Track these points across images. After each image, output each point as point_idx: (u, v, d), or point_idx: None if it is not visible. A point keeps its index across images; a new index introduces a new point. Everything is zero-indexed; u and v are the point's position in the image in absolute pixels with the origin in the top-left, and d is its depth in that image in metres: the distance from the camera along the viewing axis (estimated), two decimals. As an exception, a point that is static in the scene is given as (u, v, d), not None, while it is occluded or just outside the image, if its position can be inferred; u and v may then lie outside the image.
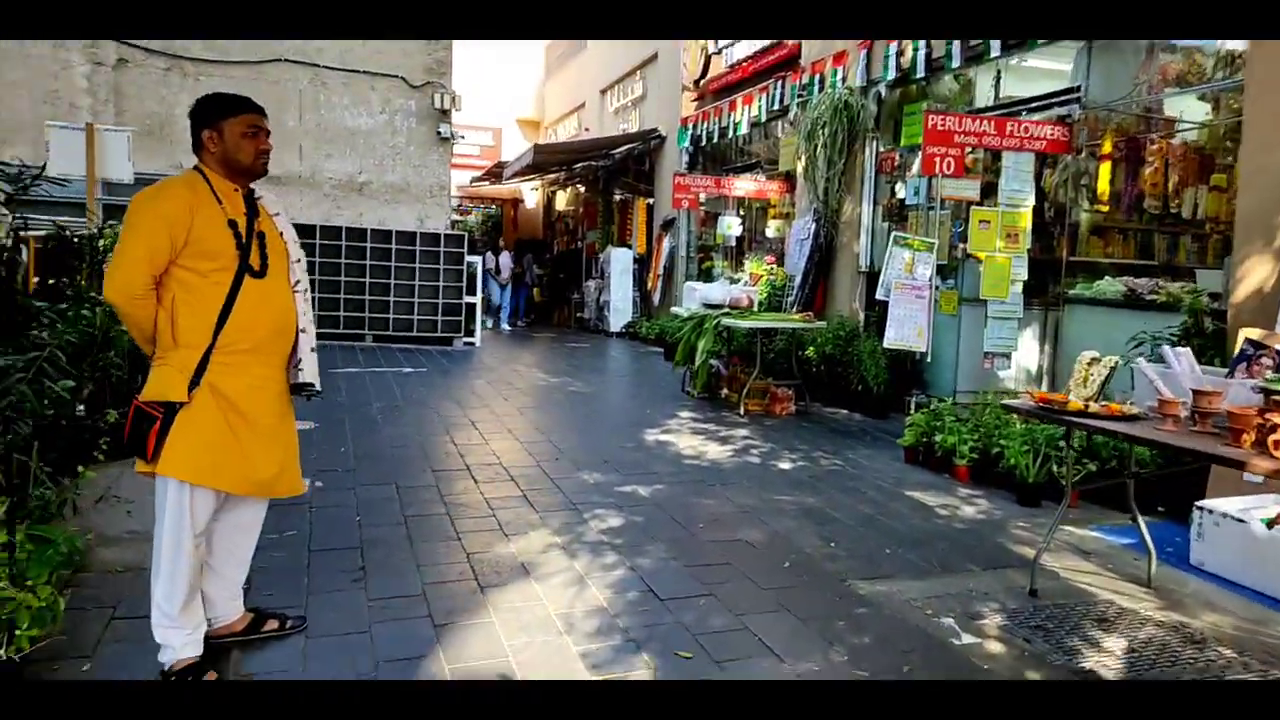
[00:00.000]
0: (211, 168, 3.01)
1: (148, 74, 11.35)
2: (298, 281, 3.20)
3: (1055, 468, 5.68)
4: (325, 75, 12.00)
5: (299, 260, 3.25)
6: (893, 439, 7.22)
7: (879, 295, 7.27)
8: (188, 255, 2.87)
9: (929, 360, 7.60)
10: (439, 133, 12.41)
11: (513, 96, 24.02)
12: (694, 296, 9.15)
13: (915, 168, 8.69)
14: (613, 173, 17.81)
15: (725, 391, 8.94)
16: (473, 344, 12.58)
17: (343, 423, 6.92)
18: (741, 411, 8.17)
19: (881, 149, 9.34)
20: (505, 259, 16.89)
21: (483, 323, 13.71)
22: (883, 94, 9.14)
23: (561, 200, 22.03)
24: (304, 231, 11.62)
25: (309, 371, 3.17)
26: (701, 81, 14.02)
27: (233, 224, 2.96)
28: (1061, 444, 5.73)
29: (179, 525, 2.91)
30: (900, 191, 9.17)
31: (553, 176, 20.78)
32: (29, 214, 5.29)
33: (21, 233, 5.12)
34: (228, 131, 2.98)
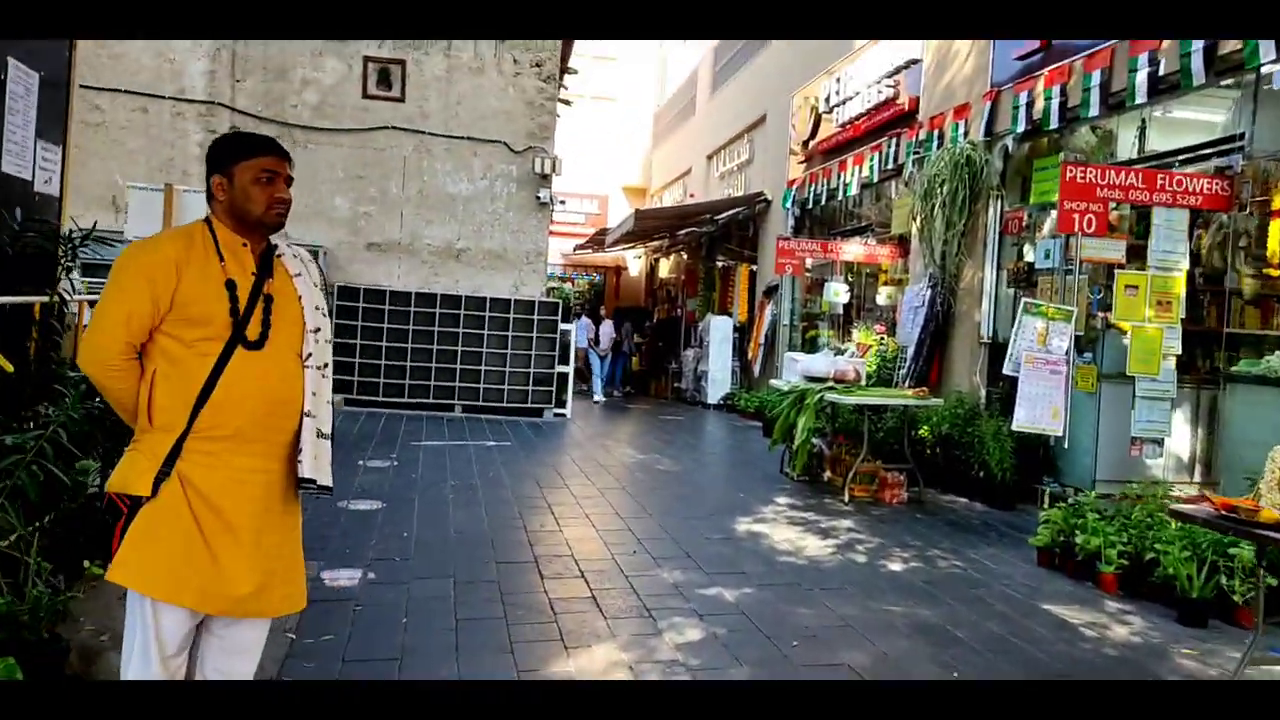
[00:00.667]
0: (220, 218, 2.53)
1: (256, 144, 11.55)
2: (309, 355, 2.65)
3: (1224, 579, 4.71)
4: (430, 142, 12.00)
5: (317, 330, 2.69)
6: (1021, 536, 6.28)
7: (1007, 370, 6.41)
8: (172, 320, 2.40)
9: (1064, 445, 6.64)
10: (538, 198, 12.20)
11: (620, 165, 24.07)
12: (795, 368, 8.44)
13: (1048, 227, 7.83)
14: (716, 239, 17.36)
15: (828, 474, 8.13)
16: (563, 415, 12.13)
17: (411, 503, 6.47)
18: (846, 498, 7.35)
19: (1007, 208, 8.51)
20: (606, 328, 16.32)
21: (574, 389, 13.31)
22: (1010, 148, 8.35)
23: (664, 268, 21.70)
24: (399, 299, 11.52)
25: (310, 464, 2.60)
26: (811, 143, 13.46)
27: (230, 285, 2.48)
28: (1232, 551, 4.75)
29: (145, 647, 2.40)
30: (1029, 254, 8.30)
31: (656, 244, 20.50)
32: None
33: (71, 296, 4.88)
34: (238, 177, 2.48)
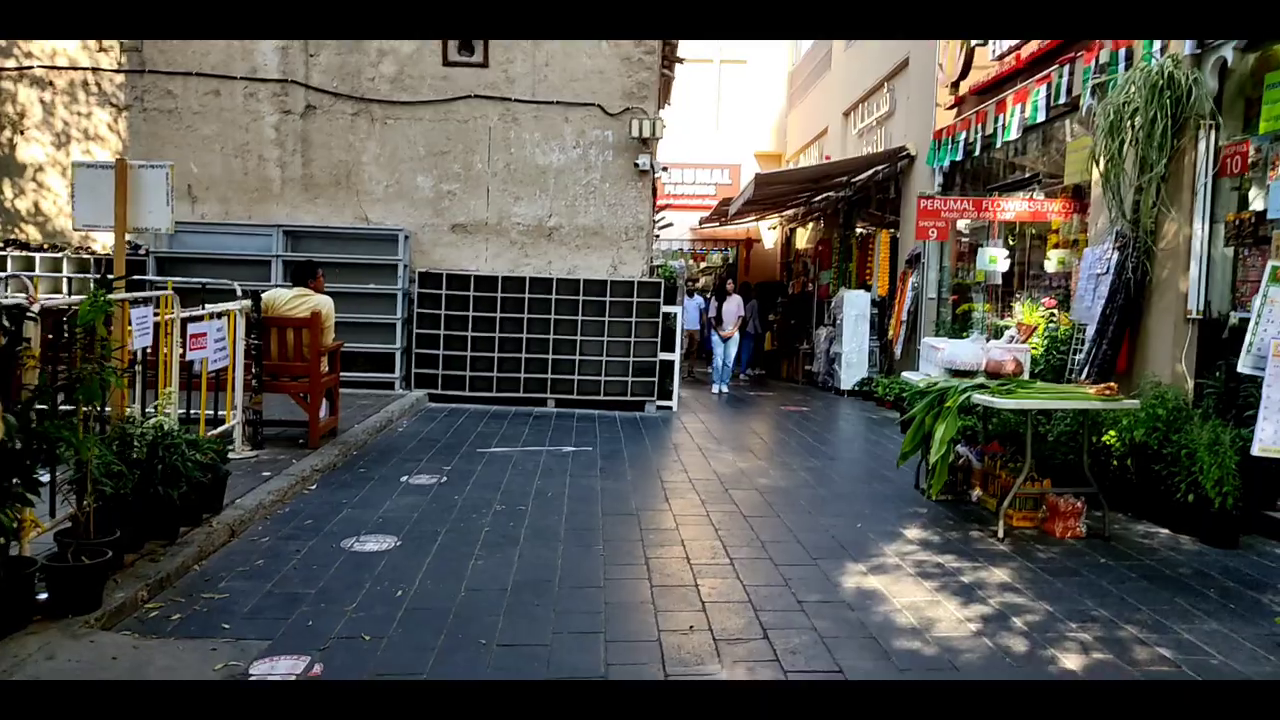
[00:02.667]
0: None
1: (335, 120, 10.69)
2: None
3: None
4: (516, 109, 10.78)
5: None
6: (1256, 596, 4.41)
7: (1244, 367, 4.48)
8: None
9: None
10: (637, 165, 10.76)
11: (753, 130, 22.27)
12: (935, 358, 6.64)
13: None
14: (854, 204, 15.40)
15: (977, 492, 6.34)
16: (668, 408, 10.69)
17: (433, 541, 5.22)
18: (1000, 532, 5.57)
19: (1224, 141, 6.38)
20: (732, 305, 13.85)
21: (687, 377, 11.83)
22: (1228, 61, 6.22)
23: (801, 238, 19.81)
24: (485, 284, 10.39)
25: None
26: (962, 84, 11.37)
27: None
28: None
29: None
30: (1257, 200, 6.17)
31: (791, 212, 18.66)
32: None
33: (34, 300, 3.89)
34: None
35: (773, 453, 8.44)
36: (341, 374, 10.27)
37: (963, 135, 10.88)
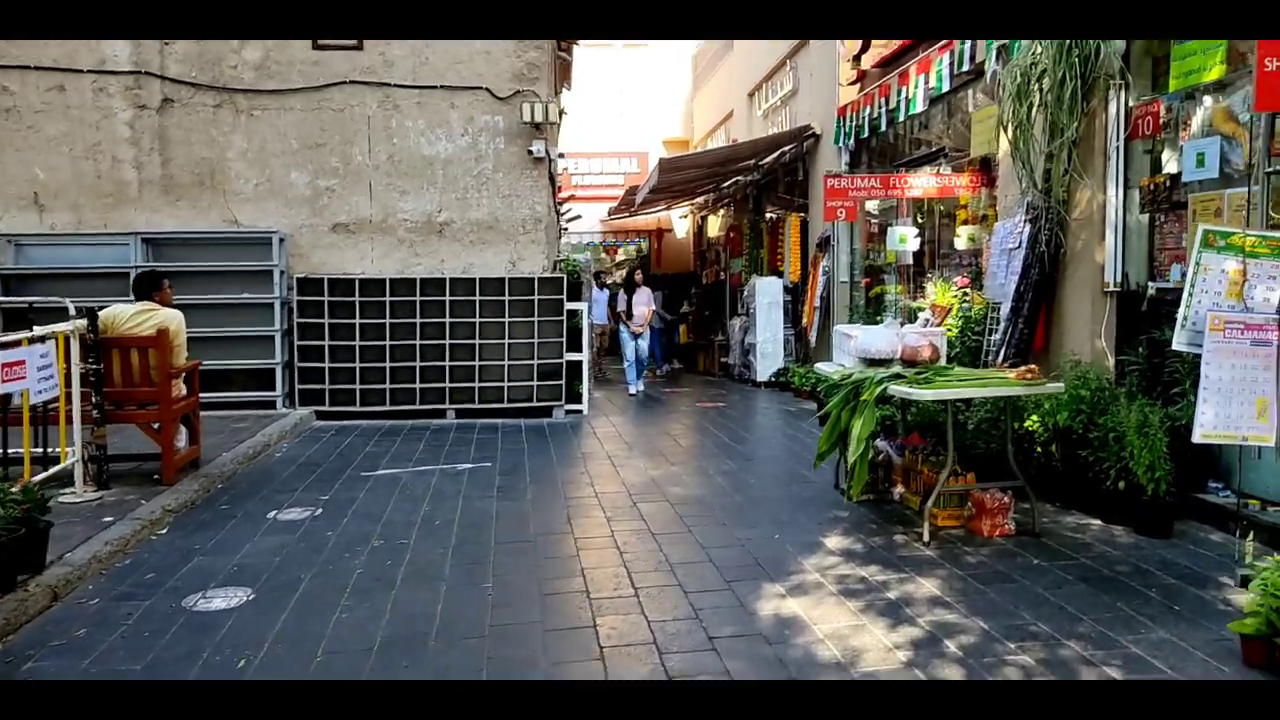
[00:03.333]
0: None
1: (194, 114, 9.74)
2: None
3: None
4: (397, 96, 9.99)
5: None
6: (1199, 593, 4.08)
7: (1179, 344, 4.10)
8: None
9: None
10: (531, 152, 10.08)
11: (659, 117, 21.75)
12: (848, 347, 6.19)
13: (1199, 121, 5.41)
14: (763, 187, 15.03)
15: (899, 489, 5.93)
16: (578, 412, 10.10)
17: (294, 590, 4.52)
18: (926, 535, 5.14)
19: (1134, 102, 6.07)
20: (642, 298, 12.77)
21: (599, 377, 11.25)
22: (1133, 18, 5.89)
23: (713, 226, 19.42)
24: (372, 287, 9.60)
25: None
26: (863, 57, 11.02)
27: None
28: None
29: None
30: (1170, 163, 5.88)
31: (702, 199, 18.23)
32: None
33: None
34: None
35: (688, 456, 7.91)
36: (218, 394, 9.44)
37: (867, 111, 10.54)
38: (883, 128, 10.30)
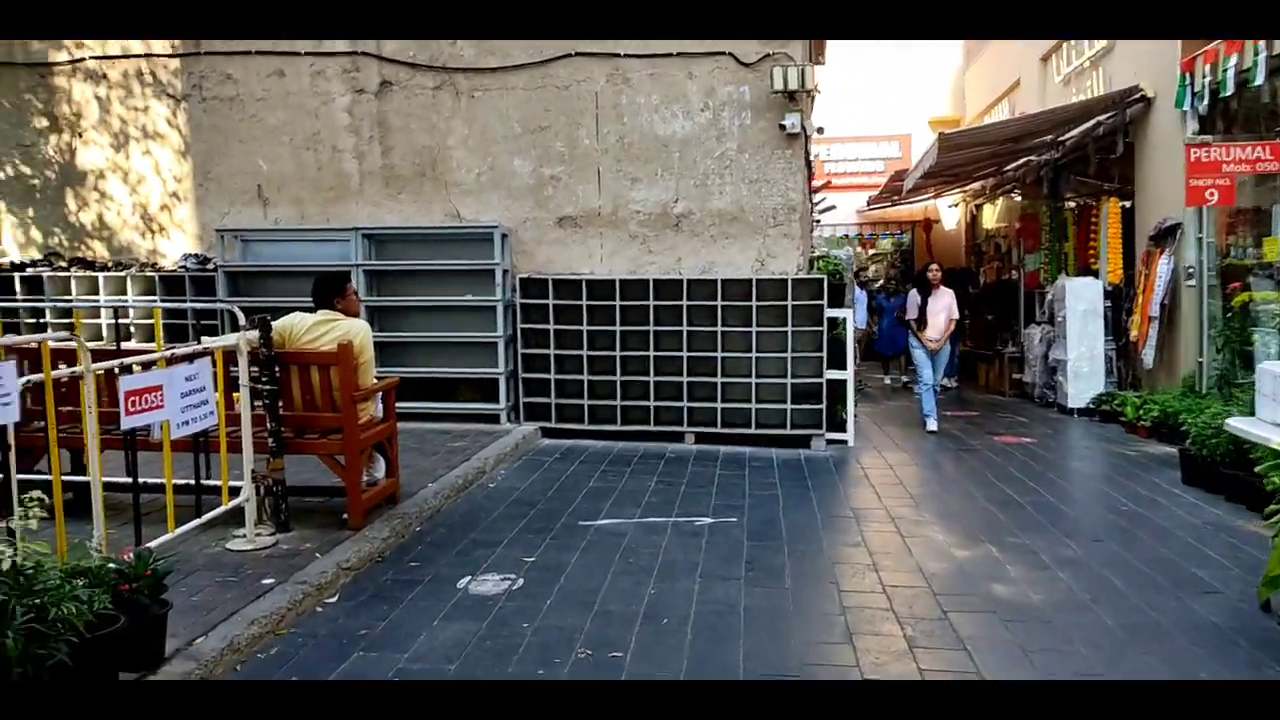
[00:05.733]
0: None
1: (414, 97, 8.86)
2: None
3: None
4: (627, 67, 8.60)
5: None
6: None
7: None
8: None
9: None
10: (783, 127, 8.34)
11: (925, 94, 19.24)
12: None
13: None
14: (1061, 168, 12.34)
15: None
16: (842, 442, 8.23)
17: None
18: None
19: None
20: (942, 303, 9.47)
21: (861, 393, 9.26)
22: None
23: (989, 216, 16.73)
24: (601, 290, 8.26)
25: None
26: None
27: None
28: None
29: None
30: None
31: (976, 186, 15.65)
32: None
33: None
34: None
35: (1003, 525, 5.79)
36: (439, 404, 8.54)
37: (1232, 60, 7.88)
38: (1257, 80, 7.62)
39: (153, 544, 4.10)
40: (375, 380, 5.64)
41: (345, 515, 5.33)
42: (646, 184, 8.66)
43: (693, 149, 8.58)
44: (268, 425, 5.10)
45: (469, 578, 4.70)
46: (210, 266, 8.92)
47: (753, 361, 8.19)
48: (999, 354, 12.66)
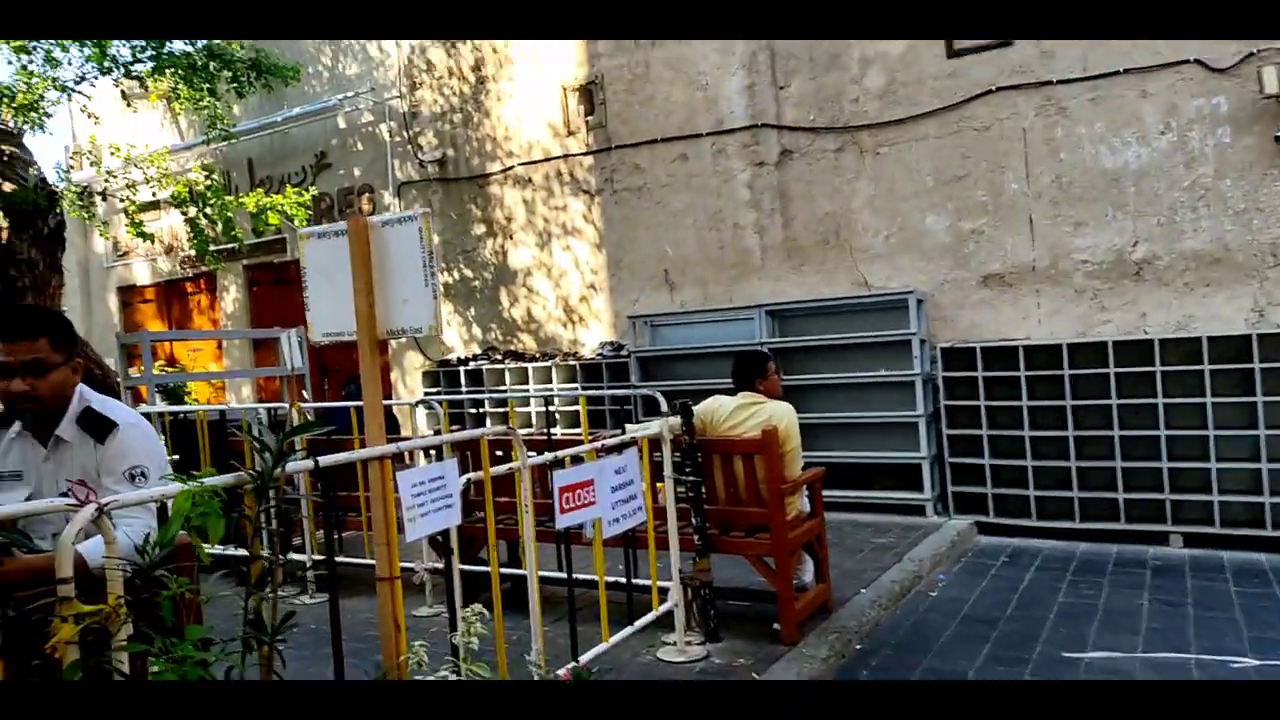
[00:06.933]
0: None
1: (814, 162, 8.40)
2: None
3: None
4: (1061, 95, 7.38)
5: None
6: None
7: None
8: None
9: None
10: (1278, 139, 6.58)
11: None
12: None
13: None
14: None
15: None
16: None
17: None
18: None
19: None
20: None
21: None
22: None
23: None
24: (1043, 357, 7.07)
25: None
26: None
27: None
28: None
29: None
30: None
31: None
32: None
33: None
34: None
35: None
36: (853, 492, 7.76)
37: None
38: None
39: (588, 655, 3.78)
40: (801, 471, 5.02)
41: (776, 625, 4.72)
42: (1094, 228, 7.30)
43: (1152, 180, 7.09)
44: (692, 520, 4.68)
45: None
46: (624, 353, 9.09)
47: (1261, 440, 6.37)
48: None
